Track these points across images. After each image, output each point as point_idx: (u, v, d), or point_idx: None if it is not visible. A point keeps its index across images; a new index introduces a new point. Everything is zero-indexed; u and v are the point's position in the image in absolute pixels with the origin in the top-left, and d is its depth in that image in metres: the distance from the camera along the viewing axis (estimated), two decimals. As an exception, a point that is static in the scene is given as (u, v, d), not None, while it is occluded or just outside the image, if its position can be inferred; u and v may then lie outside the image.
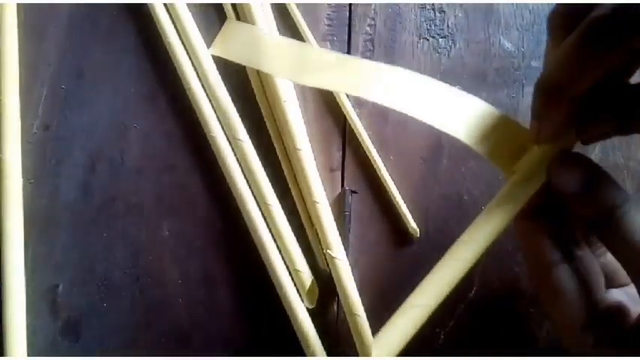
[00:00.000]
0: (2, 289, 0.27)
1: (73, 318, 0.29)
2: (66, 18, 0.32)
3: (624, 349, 0.18)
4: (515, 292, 0.28)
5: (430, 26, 0.31)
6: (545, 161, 0.20)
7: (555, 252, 0.20)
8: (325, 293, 0.28)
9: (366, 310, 0.27)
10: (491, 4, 0.31)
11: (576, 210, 0.19)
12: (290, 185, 0.29)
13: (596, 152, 0.29)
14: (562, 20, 0.19)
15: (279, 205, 0.28)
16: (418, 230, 0.28)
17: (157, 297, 0.29)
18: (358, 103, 0.30)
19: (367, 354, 0.26)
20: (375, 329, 0.26)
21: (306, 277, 0.27)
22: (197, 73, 0.30)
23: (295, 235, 0.28)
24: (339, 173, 0.30)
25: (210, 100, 0.29)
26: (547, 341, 0.28)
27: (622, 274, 0.22)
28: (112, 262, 0.29)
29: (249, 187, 0.28)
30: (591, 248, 0.22)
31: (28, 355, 0.28)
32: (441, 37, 0.31)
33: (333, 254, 0.27)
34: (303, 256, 0.28)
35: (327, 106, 0.30)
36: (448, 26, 0.31)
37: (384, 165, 0.29)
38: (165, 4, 0.31)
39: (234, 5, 0.31)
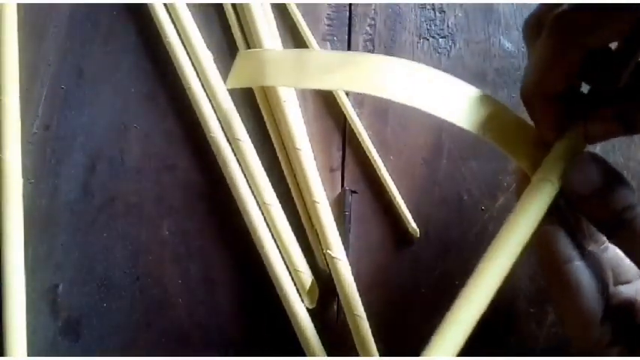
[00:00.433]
0: (2, 289, 0.27)
1: (73, 318, 0.29)
2: (66, 18, 0.32)
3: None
4: (515, 292, 0.28)
5: (430, 26, 0.31)
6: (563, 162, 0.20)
7: (570, 248, 0.20)
8: (325, 293, 0.28)
9: (366, 310, 0.27)
10: (491, 4, 0.31)
11: (591, 211, 0.19)
12: (290, 185, 0.29)
13: (596, 152, 0.29)
14: (533, 30, 0.20)
15: (279, 205, 0.28)
16: (418, 230, 0.28)
17: (157, 297, 0.29)
18: (358, 103, 0.30)
19: (367, 354, 0.26)
20: (375, 329, 0.26)
21: (306, 277, 0.27)
22: (197, 73, 0.30)
23: (295, 235, 0.28)
24: (339, 173, 0.30)
25: (210, 100, 0.29)
26: (547, 341, 0.28)
27: (624, 270, 0.22)
28: (112, 262, 0.29)
29: (249, 187, 0.28)
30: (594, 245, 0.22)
31: (28, 355, 0.28)
32: (441, 37, 0.31)
33: (333, 254, 0.27)
34: (303, 256, 0.28)
35: (327, 106, 0.30)
36: (448, 26, 0.31)
37: (384, 165, 0.29)
38: (165, 4, 0.31)
39: (234, 5, 0.31)
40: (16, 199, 0.29)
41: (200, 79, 0.30)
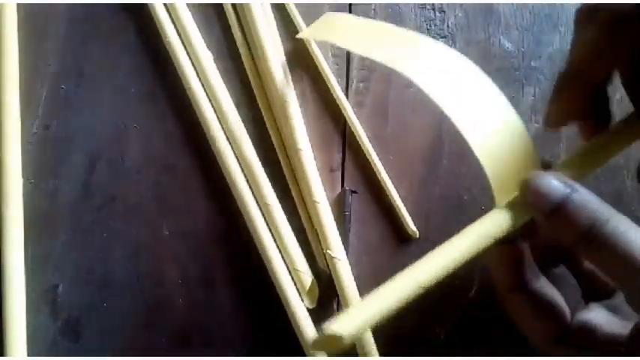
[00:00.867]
0: (2, 289, 0.27)
1: (73, 318, 0.29)
2: (66, 18, 0.32)
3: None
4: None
5: (430, 26, 0.31)
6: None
7: (513, 279, 0.21)
8: (325, 293, 0.28)
9: (366, 310, 0.27)
10: (491, 4, 0.31)
11: (555, 231, 0.18)
12: (290, 185, 0.29)
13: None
14: (586, 15, 0.20)
15: (279, 205, 0.28)
16: (417, 231, 0.28)
17: (157, 297, 0.29)
18: (358, 103, 0.30)
19: (367, 354, 0.26)
20: (375, 329, 0.26)
21: (306, 277, 0.27)
22: (197, 73, 0.30)
23: (295, 235, 0.28)
24: (339, 173, 0.30)
25: (210, 100, 0.29)
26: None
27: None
28: (112, 262, 0.29)
29: (249, 187, 0.28)
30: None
31: (28, 355, 0.27)
32: (441, 37, 0.31)
33: (333, 254, 0.27)
34: (303, 256, 0.28)
35: (327, 107, 0.30)
36: (448, 26, 0.31)
37: (384, 165, 0.29)
38: (165, 4, 0.31)
39: (234, 5, 0.31)
40: (16, 199, 0.29)
41: (200, 79, 0.30)
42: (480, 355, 0.26)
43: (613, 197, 0.29)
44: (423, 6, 0.31)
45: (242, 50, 0.30)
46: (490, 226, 0.18)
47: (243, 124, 0.29)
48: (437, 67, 0.20)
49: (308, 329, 0.27)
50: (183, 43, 0.30)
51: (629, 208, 0.29)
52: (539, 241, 0.22)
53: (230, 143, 0.29)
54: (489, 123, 0.19)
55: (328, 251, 0.27)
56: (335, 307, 0.28)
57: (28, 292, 0.28)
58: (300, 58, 0.31)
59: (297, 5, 0.31)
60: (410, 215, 0.28)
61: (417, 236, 0.28)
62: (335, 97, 0.30)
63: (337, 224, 0.28)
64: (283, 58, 0.30)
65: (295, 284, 0.27)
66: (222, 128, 0.29)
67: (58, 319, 0.29)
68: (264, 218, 0.28)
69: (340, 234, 0.28)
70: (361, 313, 0.17)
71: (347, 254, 0.28)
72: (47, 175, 0.30)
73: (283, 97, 0.29)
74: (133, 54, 0.31)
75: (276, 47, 0.30)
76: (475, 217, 0.26)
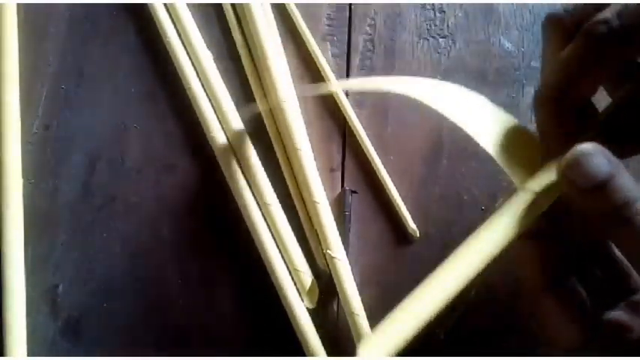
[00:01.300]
0: (2, 289, 0.27)
1: (73, 318, 0.29)
2: (66, 18, 0.32)
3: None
4: (515, 292, 0.28)
5: (430, 26, 0.31)
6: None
7: (544, 279, 0.20)
8: (325, 293, 0.28)
9: (366, 310, 0.27)
10: (491, 4, 0.31)
11: (590, 207, 0.18)
12: (290, 185, 0.29)
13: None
14: (558, 25, 0.19)
15: (279, 205, 0.28)
16: (417, 230, 0.28)
17: (157, 297, 0.29)
18: (358, 103, 0.30)
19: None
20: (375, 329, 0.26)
21: (306, 277, 0.27)
22: (197, 73, 0.30)
23: (295, 235, 0.28)
24: (339, 173, 0.30)
25: (210, 100, 0.29)
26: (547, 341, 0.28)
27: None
28: (112, 262, 0.29)
29: (249, 187, 0.28)
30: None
31: (28, 355, 0.28)
32: (441, 37, 0.31)
33: (333, 254, 0.27)
34: (303, 256, 0.28)
35: (327, 107, 0.30)
36: (448, 26, 0.31)
37: (384, 165, 0.29)
38: (165, 4, 0.31)
39: (234, 5, 0.31)
40: (16, 199, 0.29)
41: (200, 79, 0.30)
42: (480, 355, 0.26)
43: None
44: (423, 6, 0.31)
45: (242, 50, 0.30)
46: (516, 209, 0.19)
47: (243, 124, 0.29)
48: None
49: (308, 329, 0.27)
50: (183, 43, 0.30)
51: None
52: (567, 239, 0.21)
53: (230, 143, 0.29)
54: (491, 121, 0.20)
55: (328, 251, 0.27)
56: (335, 307, 0.28)
57: (28, 292, 0.28)
58: (300, 58, 0.31)
59: (297, 5, 0.31)
60: (410, 215, 0.28)
61: (417, 236, 0.28)
62: (335, 97, 0.30)
63: (337, 224, 0.28)
64: (283, 58, 0.30)
65: (295, 284, 0.27)
66: (222, 128, 0.29)
67: (58, 319, 0.29)
68: (264, 218, 0.28)
69: (340, 234, 0.28)
70: (392, 333, 0.18)
71: (347, 254, 0.28)
72: (47, 175, 0.30)
73: (283, 97, 0.29)
74: (133, 54, 0.31)
75: (276, 47, 0.30)
76: (475, 217, 0.27)
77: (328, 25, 0.31)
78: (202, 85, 0.30)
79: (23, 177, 0.29)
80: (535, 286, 0.21)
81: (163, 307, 0.29)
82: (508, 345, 0.28)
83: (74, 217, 0.30)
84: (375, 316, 0.27)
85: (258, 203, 0.28)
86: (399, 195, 0.29)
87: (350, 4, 0.31)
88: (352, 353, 0.27)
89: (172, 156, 0.30)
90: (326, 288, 0.28)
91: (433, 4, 0.31)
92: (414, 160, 0.29)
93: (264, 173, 0.28)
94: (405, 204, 0.28)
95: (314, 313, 0.27)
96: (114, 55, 0.31)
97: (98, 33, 0.32)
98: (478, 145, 0.30)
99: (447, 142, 0.30)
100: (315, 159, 0.29)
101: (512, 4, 0.31)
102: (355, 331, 0.26)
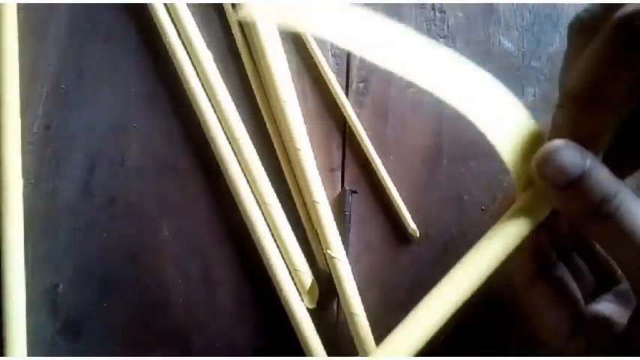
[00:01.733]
0: (2, 288, 0.27)
1: (73, 318, 0.29)
2: (66, 18, 0.32)
3: (617, 354, 0.18)
4: (515, 292, 0.28)
5: (430, 26, 0.31)
6: None
7: (534, 268, 0.20)
8: (325, 293, 0.28)
9: (366, 310, 0.27)
10: (491, 4, 0.31)
11: (566, 205, 0.18)
12: (290, 185, 0.29)
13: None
14: (584, 26, 0.19)
15: (279, 205, 0.28)
16: (418, 230, 0.28)
17: (157, 297, 0.29)
18: (358, 103, 0.30)
19: (367, 354, 0.26)
20: (375, 329, 0.26)
21: (306, 277, 0.27)
22: (197, 73, 0.30)
23: (295, 235, 0.28)
24: (339, 173, 0.30)
25: (210, 100, 0.29)
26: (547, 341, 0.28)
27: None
28: (112, 262, 0.29)
29: (249, 187, 0.28)
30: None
31: (28, 355, 0.28)
32: (441, 37, 0.31)
33: (333, 254, 0.27)
34: (303, 256, 0.28)
35: (327, 106, 0.30)
36: (448, 26, 0.31)
37: (384, 165, 0.29)
38: (165, 4, 0.31)
39: (234, 5, 0.31)
40: (16, 199, 0.29)
41: (200, 79, 0.30)
42: (480, 355, 0.26)
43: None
44: (423, 6, 0.31)
45: (242, 50, 0.30)
46: (530, 209, 0.18)
47: (243, 124, 0.29)
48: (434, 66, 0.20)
49: (308, 329, 0.27)
50: (183, 43, 0.30)
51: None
52: (555, 228, 0.21)
53: (230, 143, 0.29)
54: (499, 113, 0.20)
55: (328, 251, 0.27)
56: (335, 307, 0.28)
57: (28, 292, 0.28)
58: (300, 58, 0.31)
59: (297, 5, 0.31)
60: (410, 215, 0.28)
61: (417, 236, 0.28)
62: (335, 97, 0.30)
63: (337, 224, 0.28)
64: (283, 58, 0.30)
65: (295, 284, 0.27)
66: (222, 128, 0.29)
67: (58, 319, 0.29)
68: (264, 218, 0.28)
69: (340, 234, 0.28)
70: (404, 342, 0.18)
71: (347, 254, 0.28)
72: (47, 175, 0.30)
73: (283, 97, 0.29)
74: (133, 54, 0.31)
75: (276, 47, 0.30)
76: (475, 217, 0.26)
77: (328, 25, 0.31)
78: (202, 85, 0.30)
79: (23, 177, 0.29)
80: (524, 275, 0.21)
81: (163, 307, 0.29)
82: (508, 345, 0.28)
83: (74, 217, 0.30)
84: (375, 316, 0.27)
85: (258, 203, 0.28)
86: (399, 195, 0.29)
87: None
88: (352, 353, 0.27)
89: (172, 156, 0.30)
90: (326, 288, 0.28)
91: (433, 4, 0.31)
92: (414, 161, 0.29)
93: (264, 173, 0.28)
94: (405, 204, 0.28)
95: (314, 313, 0.27)
96: (114, 55, 0.31)
97: (98, 33, 0.32)
98: (478, 145, 0.30)
99: (447, 143, 0.30)
100: (315, 159, 0.29)
101: (512, 4, 0.31)
102: (355, 331, 0.26)
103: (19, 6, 0.31)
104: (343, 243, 0.28)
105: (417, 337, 0.17)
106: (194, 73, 0.30)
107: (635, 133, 0.20)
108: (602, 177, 0.17)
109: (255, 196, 0.28)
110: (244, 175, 0.28)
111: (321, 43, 0.31)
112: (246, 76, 0.30)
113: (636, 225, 0.16)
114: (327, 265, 0.27)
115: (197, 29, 0.30)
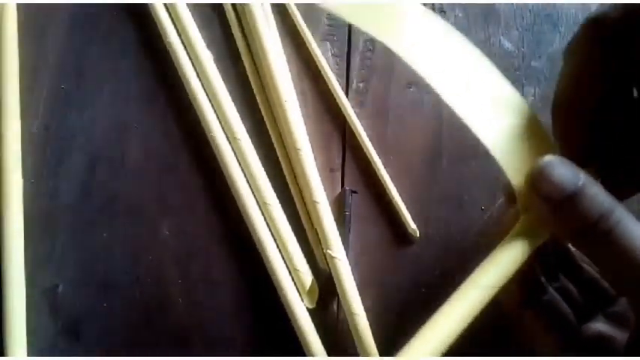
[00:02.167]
0: (2, 289, 0.27)
1: (73, 318, 0.29)
2: (66, 18, 0.32)
3: None
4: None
5: (430, 26, 0.31)
6: None
7: (523, 294, 0.20)
8: (325, 293, 0.28)
9: (366, 310, 0.27)
10: (492, 4, 0.31)
11: (561, 222, 0.17)
12: (290, 185, 0.29)
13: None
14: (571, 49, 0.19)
15: (279, 205, 0.28)
16: (418, 230, 0.28)
17: (157, 297, 0.29)
18: (358, 103, 0.30)
19: (367, 354, 0.26)
20: (375, 329, 0.26)
21: (306, 277, 0.27)
22: (197, 73, 0.30)
23: (295, 235, 0.28)
24: (339, 173, 0.30)
25: (210, 100, 0.29)
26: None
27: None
28: (112, 262, 0.29)
29: (249, 187, 0.28)
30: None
31: (28, 355, 0.28)
32: (441, 37, 0.31)
33: (333, 254, 0.27)
34: (303, 256, 0.28)
35: (327, 107, 0.30)
36: (448, 26, 0.31)
37: (384, 165, 0.29)
38: (165, 4, 0.31)
39: (234, 5, 0.31)
40: (16, 199, 0.29)
41: (200, 79, 0.30)
42: (481, 355, 0.26)
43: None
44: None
45: (242, 50, 0.31)
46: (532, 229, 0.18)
47: (243, 124, 0.29)
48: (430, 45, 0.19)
49: (308, 329, 0.27)
50: (183, 43, 0.30)
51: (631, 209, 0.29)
52: (545, 250, 0.21)
53: (230, 143, 0.29)
54: (494, 108, 0.19)
55: (328, 251, 0.27)
56: (335, 307, 0.28)
57: (28, 292, 0.28)
58: (300, 58, 0.31)
59: (297, 5, 0.31)
60: (410, 215, 0.28)
61: (417, 236, 0.28)
62: (335, 97, 0.30)
63: (337, 224, 0.28)
64: (283, 58, 0.30)
65: (295, 284, 0.27)
66: (222, 128, 0.29)
67: (58, 319, 0.29)
68: (264, 218, 0.28)
69: (340, 234, 0.28)
70: None
71: (347, 254, 0.28)
72: (47, 175, 0.30)
73: (283, 97, 0.29)
74: (133, 54, 0.31)
75: (276, 47, 0.30)
76: (475, 217, 0.26)
77: (328, 25, 0.31)
78: (202, 85, 0.30)
79: (23, 177, 0.29)
80: (514, 301, 0.21)
81: (163, 307, 0.29)
82: (508, 345, 0.28)
83: (74, 217, 0.30)
84: (375, 316, 0.27)
85: (258, 203, 0.28)
86: (399, 195, 0.29)
87: (350, 4, 0.31)
88: (352, 353, 0.27)
89: (172, 156, 0.30)
90: (326, 288, 0.28)
91: (433, 4, 0.31)
92: (414, 161, 0.29)
93: (264, 173, 0.28)
94: (405, 204, 0.28)
95: (314, 313, 0.27)
96: (114, 55, 0.31)
97: (98, 33, 0.32)
98: (478, 145, 0.30)
99: (447, 143, 0.30)
100: (315, 159, 0.29)
101: (512, 4, 0.31)
102: (355, 331, 0.26)
103: (19, 6, 0.31)
104: (343, 243, 0.28)
105: None
106: (194, 74, 0.30)
107: (632, 155, 0.19)
108: (598, 193, 0.16)
109: (255, 196, 0.28)
110: (244, 175, 0.28)
111: (320, 43, 0.31)
112: (246, 76, 0.30)
113: (635, 241, 0.16)
114: (327, 265, 0.27)
115: (197, 29, 0.30)
